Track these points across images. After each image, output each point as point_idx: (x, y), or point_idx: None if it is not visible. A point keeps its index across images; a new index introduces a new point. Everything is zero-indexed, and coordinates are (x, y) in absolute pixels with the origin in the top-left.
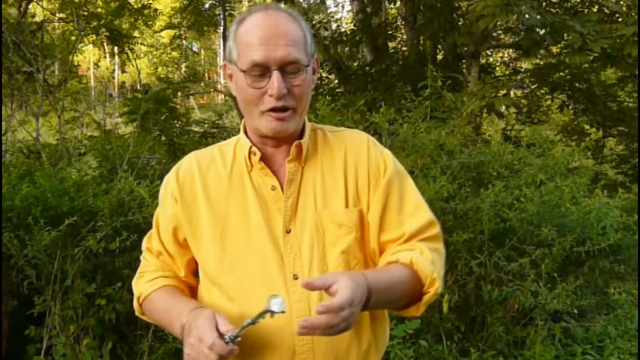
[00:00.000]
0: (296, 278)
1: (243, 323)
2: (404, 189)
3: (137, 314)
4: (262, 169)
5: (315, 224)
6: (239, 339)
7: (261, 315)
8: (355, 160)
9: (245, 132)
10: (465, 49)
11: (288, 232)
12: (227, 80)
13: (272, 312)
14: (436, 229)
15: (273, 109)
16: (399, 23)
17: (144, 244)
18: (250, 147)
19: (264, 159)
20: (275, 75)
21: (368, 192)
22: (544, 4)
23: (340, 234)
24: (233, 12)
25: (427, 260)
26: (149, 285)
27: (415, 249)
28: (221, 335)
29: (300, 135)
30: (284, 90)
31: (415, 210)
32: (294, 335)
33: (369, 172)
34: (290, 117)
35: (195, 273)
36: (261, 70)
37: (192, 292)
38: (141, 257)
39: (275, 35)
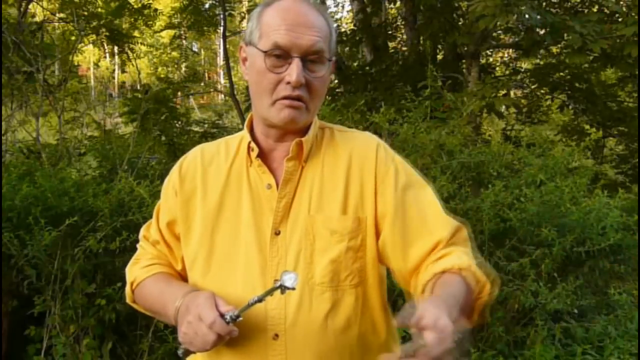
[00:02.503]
0: None
1: (249, 300)
2: (424, 197)
3: (128, 301)
4: (260, 166)
5: (306, 227)
6: (241, 318)
7: (272, 291)
8: (361, 164)
9: (251, 127)
10: (465, 49)
11: (277, 234)
12: (240, 64)
13: (285, 288)
14: (466, 231)
15: (286, 97)
16: (399, 23)
17: (141, 232)
18: (249, 143)
19: (265, 155)
20: (296, 62)
21: (375, 198)
22: (544, 4)
23: (332, 241)
24: (233, 12)
25: (469, 263)
26: (144, 271)
27: (453, 254)
28: (221, 315)
29: (304, 133)
30: (302, 80)
31: (440, 216)
32: (268, 341)
33: (376, 177)
34: (303, 110)
35: None
36: (282, 54)
37: None
38: (137, 245)
39: (303, 23)
